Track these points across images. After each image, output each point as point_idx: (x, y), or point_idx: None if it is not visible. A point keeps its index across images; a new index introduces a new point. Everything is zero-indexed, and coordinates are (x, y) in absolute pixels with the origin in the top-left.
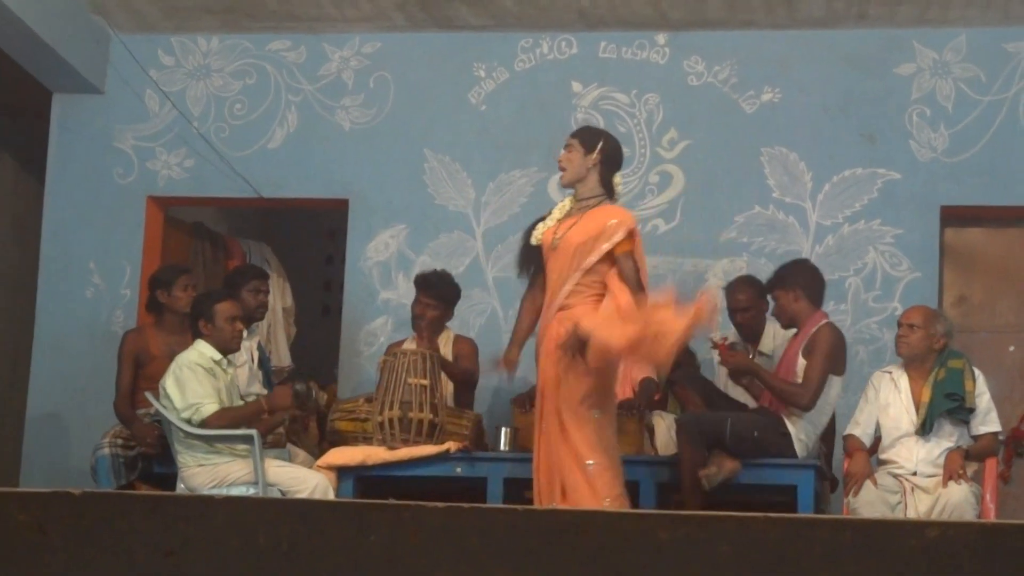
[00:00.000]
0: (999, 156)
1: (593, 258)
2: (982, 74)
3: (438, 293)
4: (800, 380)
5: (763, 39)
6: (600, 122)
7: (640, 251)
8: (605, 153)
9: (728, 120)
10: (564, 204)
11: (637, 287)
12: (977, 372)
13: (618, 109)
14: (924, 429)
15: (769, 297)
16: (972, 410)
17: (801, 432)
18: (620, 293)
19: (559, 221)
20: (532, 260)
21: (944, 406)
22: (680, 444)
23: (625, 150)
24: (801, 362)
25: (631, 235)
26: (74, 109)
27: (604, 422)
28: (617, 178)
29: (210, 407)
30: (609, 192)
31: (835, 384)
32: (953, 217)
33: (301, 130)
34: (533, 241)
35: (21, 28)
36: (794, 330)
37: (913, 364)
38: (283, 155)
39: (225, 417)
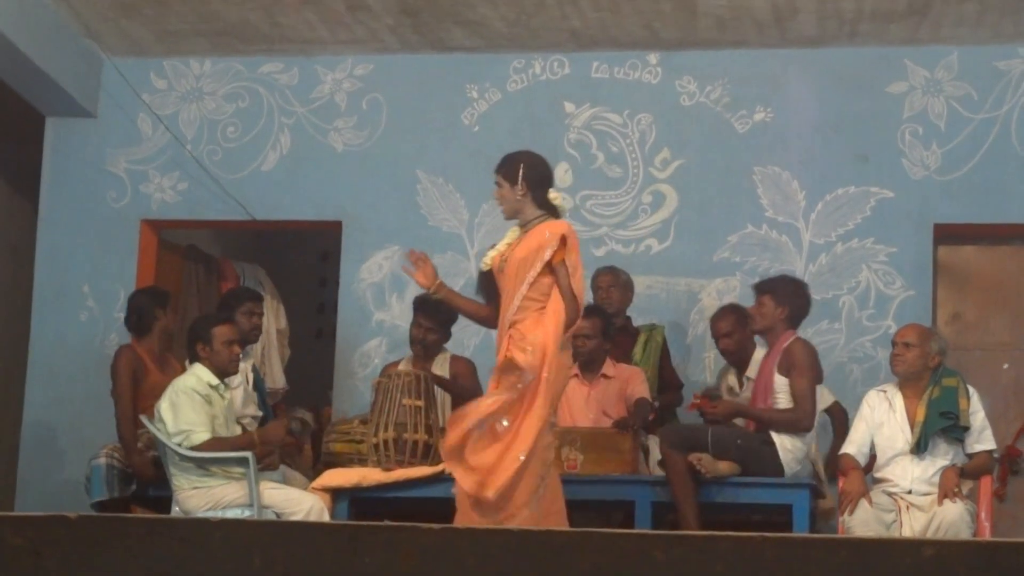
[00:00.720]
0: (992, 174)
1: (533, 272)
2: (974, 92)
3: (438, 317)
4: (779, 397)
5: (755, 59)
6: (593, 143)
7: (576, 257)
8: (528, 179)
9: (721, 139)
10: (513, 231)
11: (570, 298)
12: (971, 390)
13: (611, 129)
14: (919, 447)
15: (756, 294)
16: (966, 428)
17: (786, 441)
18: (554, 313)
19: (509, 246)
20: (488, 287)
21: (939, 424)
22: (663, 452)
23: (618, 170)
24: (778, 379)
25: (563, 242)
26: (67, 133)
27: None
28: (552, 194)
29: (201, 435)
30: (550, 210)
31: (818, 393)
32: (946, 235)
33: (294, 152)
34: (482, 267)
35: (14, 53)
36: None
37: (908, 382)
38: (276, 177)
39: (216, 447)
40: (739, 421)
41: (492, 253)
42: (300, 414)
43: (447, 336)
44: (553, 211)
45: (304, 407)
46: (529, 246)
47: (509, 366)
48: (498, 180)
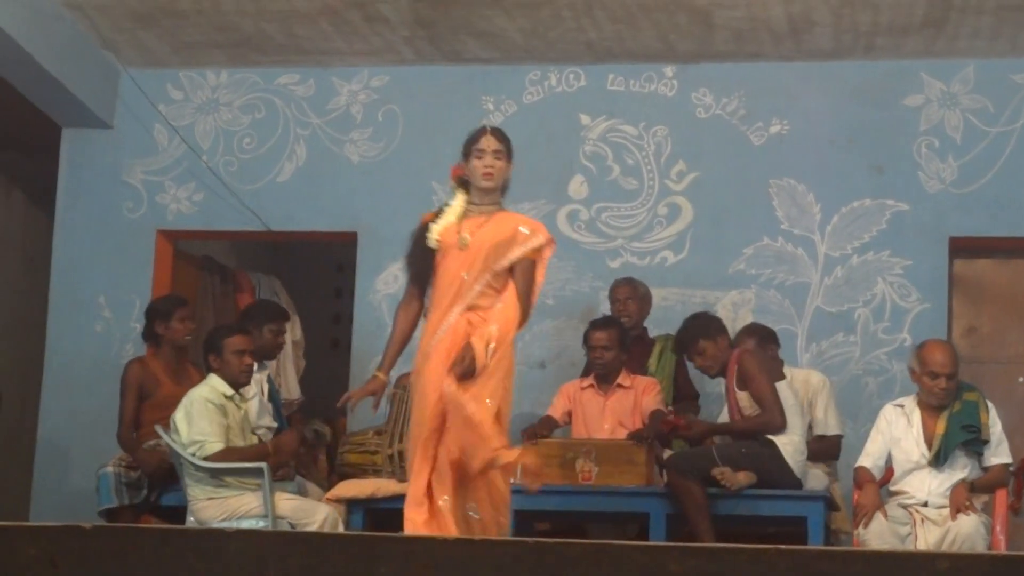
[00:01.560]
0: (1008, 187)
1: (506, 262)
2: (990, 105)
3: None
4: (747, 411)
5: (771, 71)
6: (609, 155)
7: (543, 268)
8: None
9: (736, 152)
10: (456, 205)
11: (525, 301)
12: (989, 404)
13: (626, 141)
14: (938, 460)
15: (689, 353)
16: (987, 441)
17: (784, 439)
18: (510, 307)
19: (460, 220)
20: (423, 263)
21: (960, 438)
22: (673, 482)
23: (633, 182)
24: (740, 395)
25: (540, 248)
26: (83, 144)
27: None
28: None
29: (214, 445)
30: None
31: (782, 388)
32: (962, 248)
33: (310, 164)
34: (431, 243)
35: (31, 64)
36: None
37: (929, 402)
38: (292, 188)
39: (229, 457)
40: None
41: (441, 227)
42: (315, 425)
43: None
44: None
45: (319, 418)
46: (503, 232)
47: (468, 358)
48: (500, 149)
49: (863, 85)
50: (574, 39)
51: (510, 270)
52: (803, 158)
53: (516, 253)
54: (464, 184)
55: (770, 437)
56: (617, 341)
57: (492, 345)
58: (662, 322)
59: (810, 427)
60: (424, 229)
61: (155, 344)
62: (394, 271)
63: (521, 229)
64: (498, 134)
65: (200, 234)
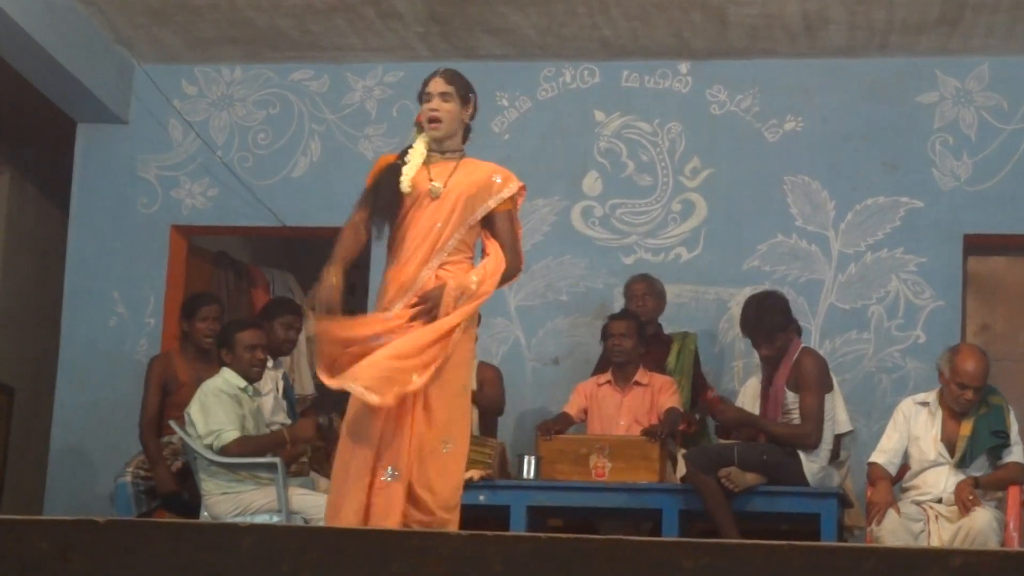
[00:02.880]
0: (1022, 184)
1: (481, 212)
2: (1005, 102)
3: None
4: (791, 413)
5: (785, 68)
6: (623, 151)
7: (517, 215)
8: (475, 108)
9: (750, 149)
10: (418, 148)
11: (512, 251)
12: (1009, 406)
13: (640, 138)
14: (963, 463)
15: (758, 342)
16: (1009, 445)
17: (810, 453)
18: (493, 260)
19: (426, 167)
20: (389, 202)
21: (990, 443)
22: (693, 476)
23: (648, 179)
24: (789, 395)
25: (514, 197)
26: (98, 139)
27: (465, 408)
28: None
29: (231, 434)
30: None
31: (827, 401)
32: (976, 245)
33: (324, 159)
34: (404, 187)
35: (46, 59)
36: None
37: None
38: (306, 184)
39: (246, 445)
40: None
41: (411, 174)
42: (322, 418)
43: None
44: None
45: (332, 411)
46: (476, 181)
47: (433, 301)
48: (446, 91)
49: (877, 82)
50: (588, 36)
51: (481, 222)
52: (817, 155)
53: (491, 203)
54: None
55: (798, 451)
56: (636, 331)
57: (463, 297)
58: (675, 319)
59: None
60: (394, 169)
61: (182, 341)
62: None
63: (494, 178)
64: (448, 75)
65: (214, 230)
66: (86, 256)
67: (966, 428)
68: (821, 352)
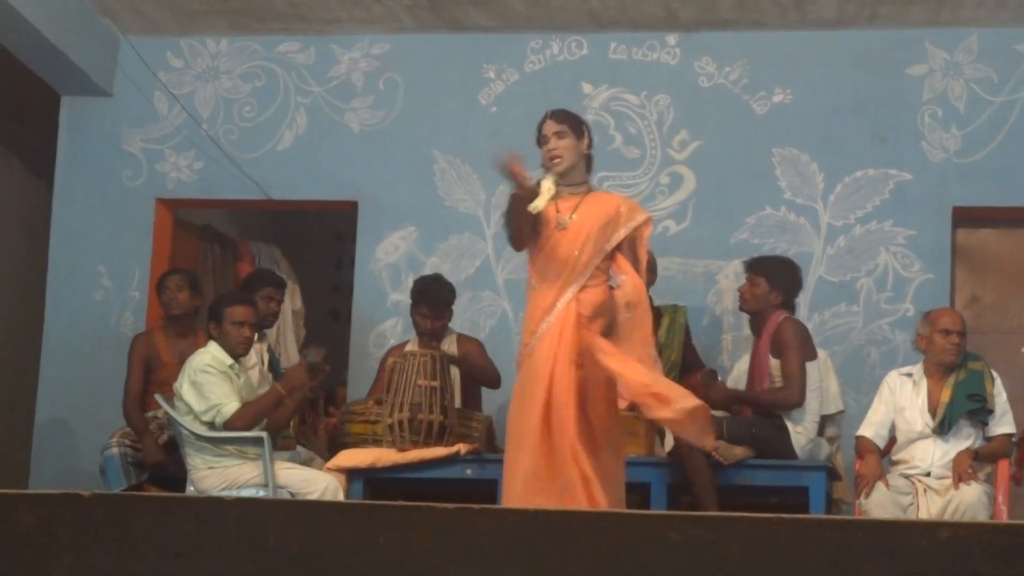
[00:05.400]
0: (1011, 157)
1: (615, 240)
2: (994, 75)
3: (440, 300)
4: (775, 380)
5: (774, 40)
6: (611, 123)
7: (644, 245)
8: (591, 140)
9: (739, 121)
10: (548, 185)
11: (635, 273)
12: (994, 374)
13: (628, 110)
14: (943, 429)
15: (748, 272)
16: (991, 411)
17: (798, 426)
18: (632, 275)
19: (554, 202)
20: (527, 226)
21: (966, 407)
22: (680, 448)
23: (636, 151)
24: (772, 361)
25: (640, 227)
26: (82, 112)
27: (614, 460)
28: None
29: (232, 406)
30: (587, 182)
31: (812, 370)
32: (965, 218)
33: (310, 132)
34: (533, 210)
35: (29, 31)
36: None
37: (936, 367)
38: (292, 157)
39: (249, 411)
40: None
41: (544, 202)
42: (314, 350)
43: (451, 317)
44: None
45: (312, 344)
46: (605, 213)
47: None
48: (560, 130)
49: (866, 54)
50: (576, 7)
51: (611, 253)
52: (806, 127)
53: (621, 232)
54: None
55: (786, 423)
56: None
57: (630, 301)
58: (664, 292)
59: None
60: (522, 199)
61: (163, 319)
62: (394, 240)
63: (622, 209)
64: (558, 115)
65: (200, 203)
66: (71, 230)
67: (945, 395)
68: (810, 325)
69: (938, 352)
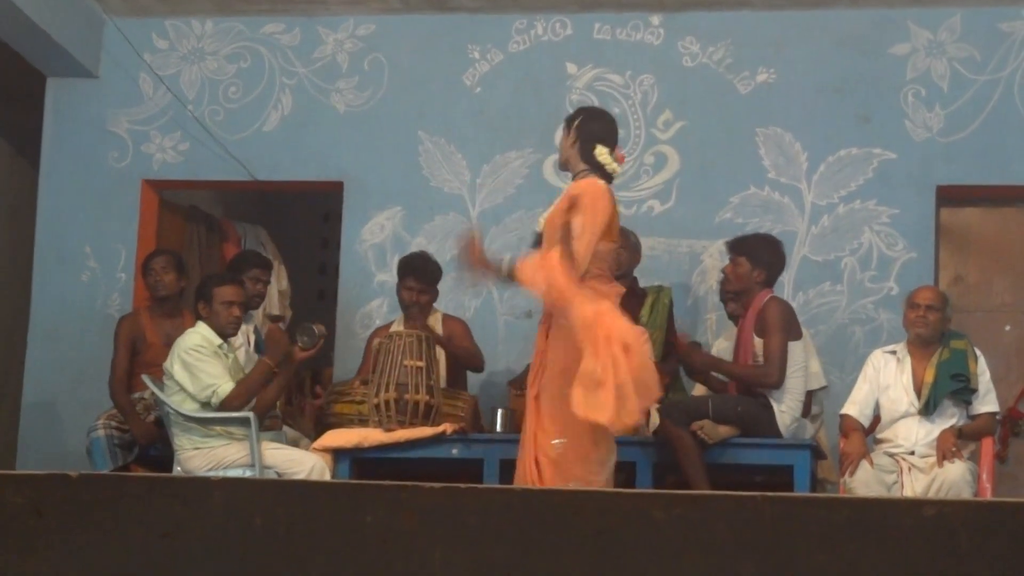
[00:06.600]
0: (995, 136)
1: (558, 235)
2: (977, 54)
3: (428, 277)
4: (759, 360)
5: (758, 20)
6: (595, 103)
7: (584, 220)
8: (580, 129)
9: (723, 101)
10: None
11: (567, 245)
12: (978, 352)
13: (613, 90)
14: (927, 409)
15: (731, 253)
16: (975, 390)
17: (782, 404)
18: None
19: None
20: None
21: (950, 387)
22: (666, 429)
23: (620, 131)
24: (756, 341)
25: (574, 203)
26: (68, 93)
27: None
28: (598, 149)
29: (227, 386)
30: (595, 167)
31: (796, 349)
32: (949, 197)
33: (296, 113)
34: (537, 228)
35: (14, 12)
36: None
37: (918, 345)
38: (278, 138)
39: (243, 389)
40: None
41: (544, 213)
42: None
43: (436, 295)
44: (597, 167)
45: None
46: (557, 206)
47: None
48: (561, 130)
49: (850, 34)
50: None
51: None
52: (790, 107)
53: (563, 218)
54: None
55: (771, 401)
56: None
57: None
58: (649, 272)
59: None
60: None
61: (149, 300)
62: (380, 221)
63: (572, 194)
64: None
65: (186, 184)
66: (57, 211)
67: (929, 375)
68: (794, 304)
69: (908, 325)
